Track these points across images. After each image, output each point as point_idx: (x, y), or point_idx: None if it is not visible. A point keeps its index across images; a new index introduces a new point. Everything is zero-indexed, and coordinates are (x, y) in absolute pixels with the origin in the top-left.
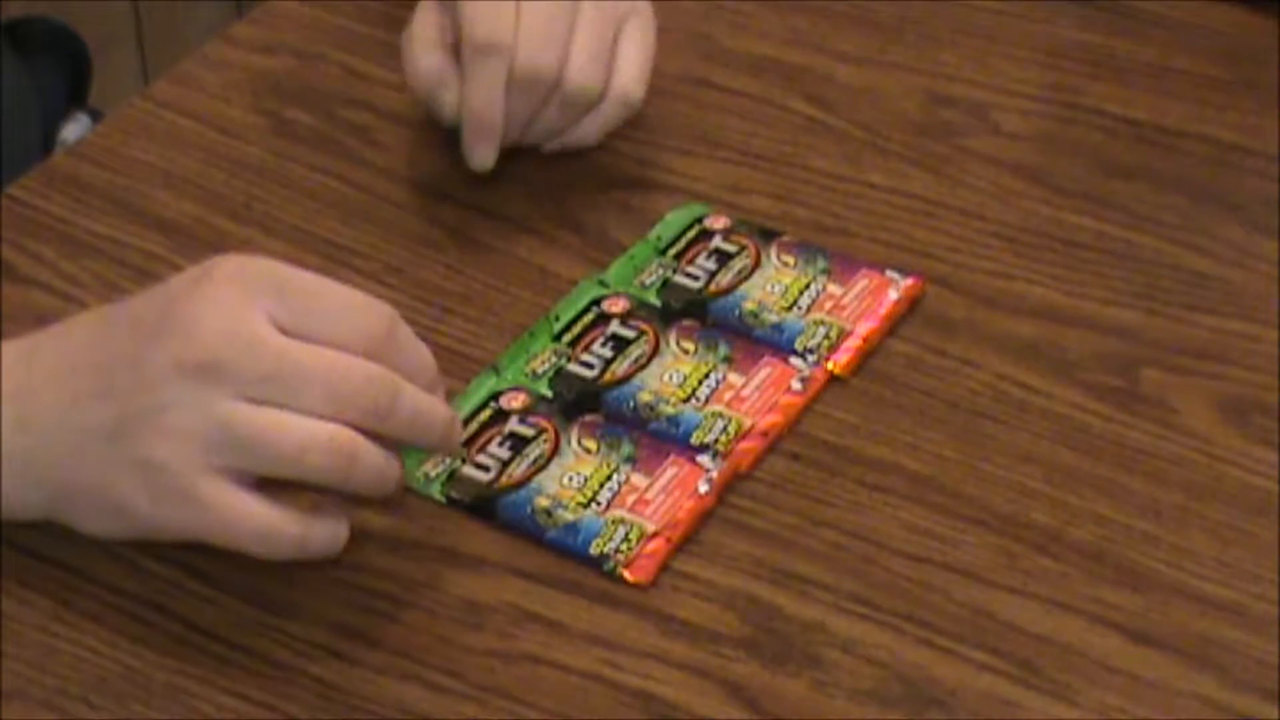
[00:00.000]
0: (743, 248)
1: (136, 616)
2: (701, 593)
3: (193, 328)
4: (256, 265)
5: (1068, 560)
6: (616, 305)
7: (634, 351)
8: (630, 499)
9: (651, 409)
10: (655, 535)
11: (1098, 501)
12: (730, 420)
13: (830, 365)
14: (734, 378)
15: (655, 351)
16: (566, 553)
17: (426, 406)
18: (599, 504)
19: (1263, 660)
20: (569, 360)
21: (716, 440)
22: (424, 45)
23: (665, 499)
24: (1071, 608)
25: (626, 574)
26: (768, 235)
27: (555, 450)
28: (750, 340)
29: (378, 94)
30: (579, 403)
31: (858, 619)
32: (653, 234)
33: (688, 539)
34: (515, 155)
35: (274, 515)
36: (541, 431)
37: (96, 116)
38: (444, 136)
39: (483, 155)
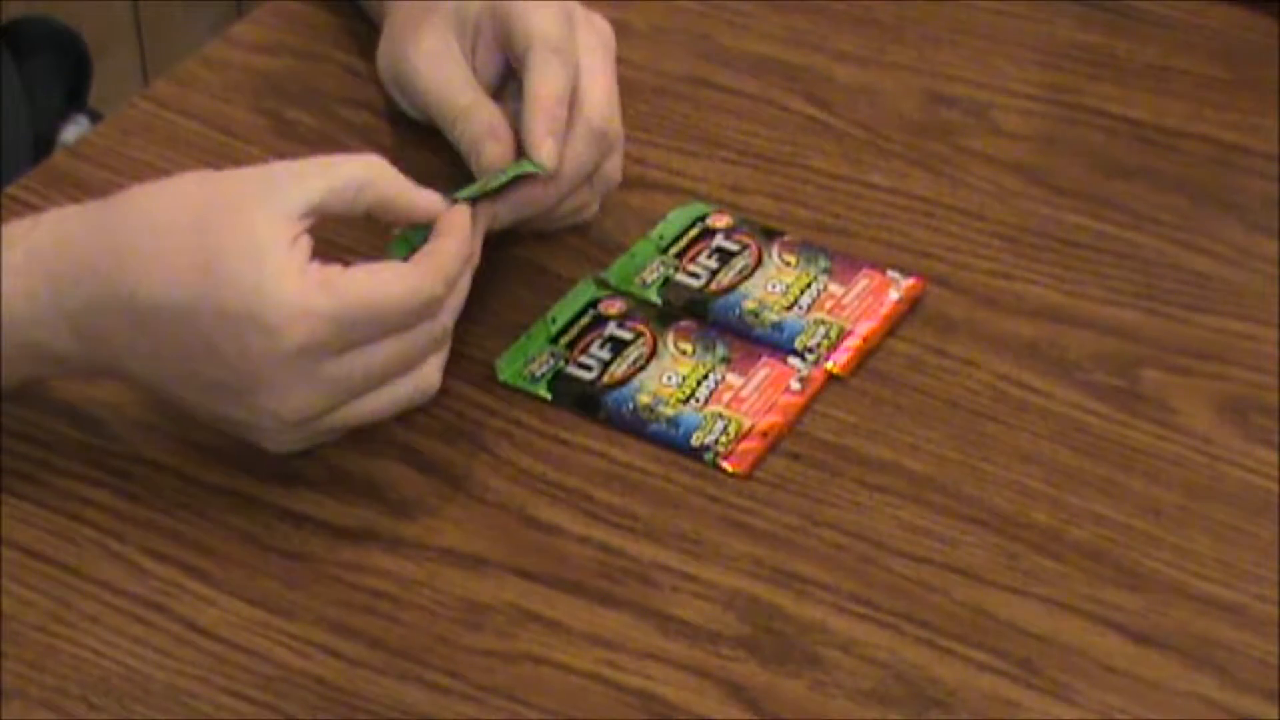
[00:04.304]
0: (744, 246)
1: (136, 616)
2: (701, 593)
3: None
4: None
5: (1068, 560)
6: (613, 307)
7: (632, 353)
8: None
9: (651, 410)
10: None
11: (1098, 501)
12: (730, 421)
13: (829, 365)
14: (733, 378)
15: (653, 353)
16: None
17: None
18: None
19: (1263, 660)
20: (566, 363)
21: (716, 441)
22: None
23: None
24: (1071, 608)
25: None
26: (770, 234)
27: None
28: (749, 340)
29: (377, 94)
30: (580, 404)
31: (858, 619)
32: (654, 232)
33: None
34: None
35: None
36: None
37: (96, 117)
38: (444, 136)
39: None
